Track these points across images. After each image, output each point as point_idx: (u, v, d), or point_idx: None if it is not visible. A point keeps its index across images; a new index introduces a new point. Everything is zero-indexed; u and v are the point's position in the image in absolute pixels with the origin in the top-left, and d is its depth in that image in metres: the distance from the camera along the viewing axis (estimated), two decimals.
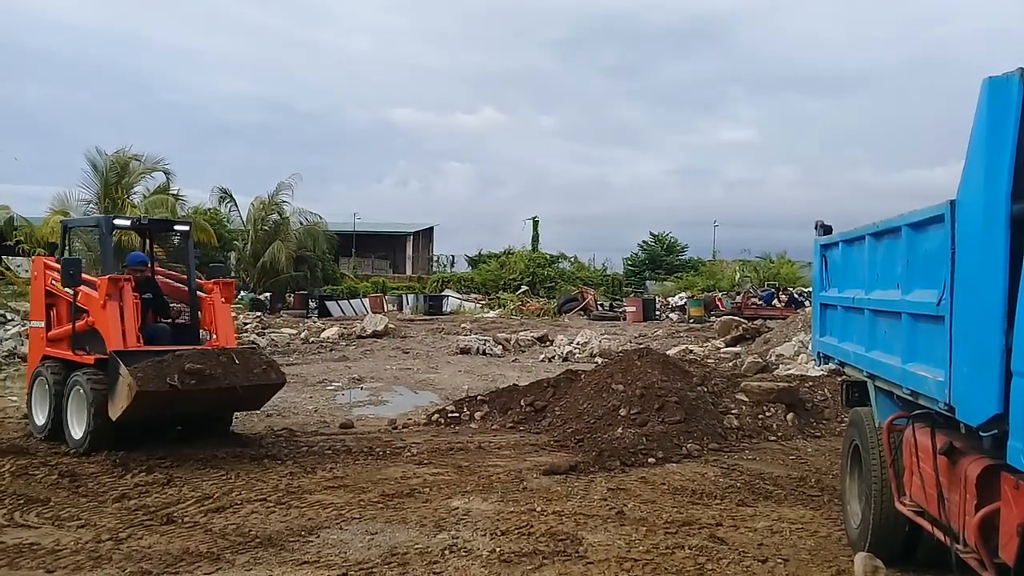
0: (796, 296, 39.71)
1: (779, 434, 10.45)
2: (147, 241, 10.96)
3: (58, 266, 9.62)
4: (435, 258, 73.78)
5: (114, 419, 8.29)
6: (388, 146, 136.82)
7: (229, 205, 45.19)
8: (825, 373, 12.42)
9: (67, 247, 10.89)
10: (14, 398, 12.92)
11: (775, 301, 39.14)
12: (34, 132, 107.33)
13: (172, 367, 8.24)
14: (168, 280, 10.44)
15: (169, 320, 10.19)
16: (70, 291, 9.24)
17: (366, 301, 42.38)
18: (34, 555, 5.75)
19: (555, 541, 6.15)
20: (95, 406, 8.50)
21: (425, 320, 36.00)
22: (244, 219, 44.90)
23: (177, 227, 11.14)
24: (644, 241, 66.35)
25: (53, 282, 9.82)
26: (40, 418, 9.53)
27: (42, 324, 9.97)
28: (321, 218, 46.70)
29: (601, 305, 44.00)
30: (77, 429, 8.83)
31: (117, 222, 10.02)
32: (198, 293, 10.01)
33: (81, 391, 8.79)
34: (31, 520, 6.56)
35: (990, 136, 3.84)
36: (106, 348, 8.74)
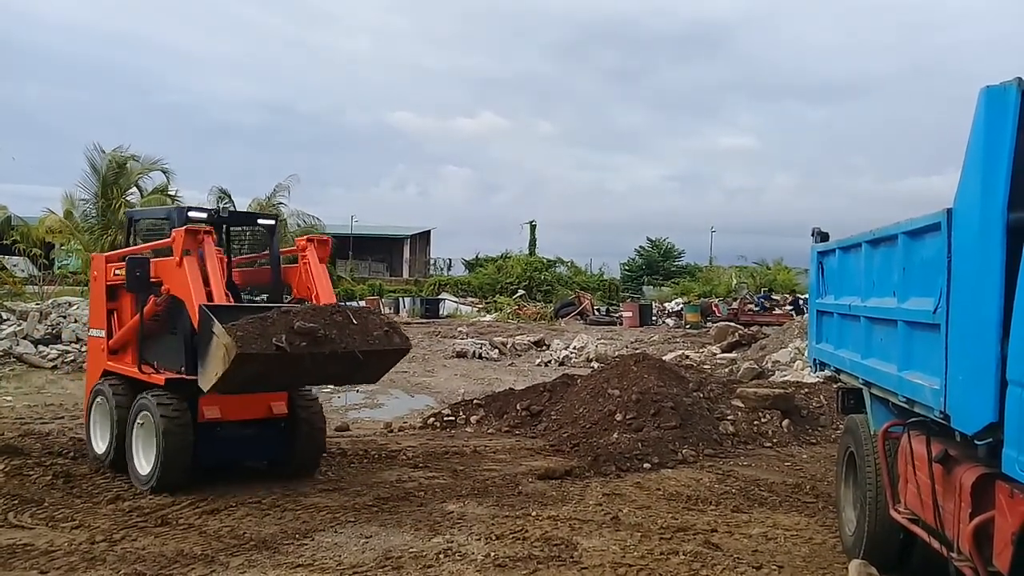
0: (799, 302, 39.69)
1: (774, 440, 10.46)
2: (224, 236, 9.03)
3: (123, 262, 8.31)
4: (432, 261, 73.74)
5: (205, 390, 6.93)
6: (387, 149, 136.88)
7: (227, 206, 45.11)
8: (821, 380, 12.46)
9: (132, 243, 9.19)
10: (9, 398, 12.89)
11: (772, 304, 39.13)
12: (32, 132, 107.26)
13: (278, 325, 6.70)
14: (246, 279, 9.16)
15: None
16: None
17: (362, 304, 42.32)
18: (28, 556, 5.74)
19: (550, 546, 6.14)
20: (166, 437, 7.26)
21: (421, 323, 35.97)
22: None
23: (261, 221, 9.38)
24: (641, 246, 66.35)
25: (116, 272, 8.39)
26: (99, 445, 8.29)
27: (102, 333, 8.60)
28: (319, 220, 46.64)
29: (598, 310, 43.98)
30: (144, 463, 7.55)
31: (192, 214, 8.25)
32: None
33: (149, 418, 7.51)
34: (25, 521, 6.54)
35: (987, 145, 3.86)
36: (181, 360, 7.53)
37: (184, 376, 7.45)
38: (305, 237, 8.46)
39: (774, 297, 41.40)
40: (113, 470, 7.98)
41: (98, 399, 8.40)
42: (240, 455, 8.27)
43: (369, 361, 7.27)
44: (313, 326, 6.80)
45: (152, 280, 7.71)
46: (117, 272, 8.39)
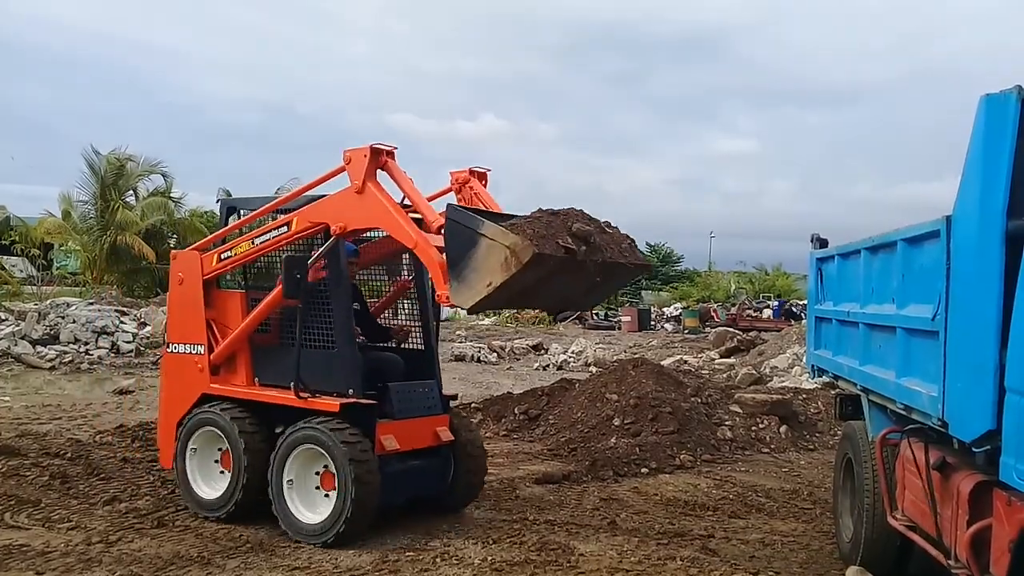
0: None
1: (772, 446, 10.46)
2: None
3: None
4: None
5: (467, 307, 5.79)
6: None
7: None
8: (819, 386, 12.46)
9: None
10: (6, 398, 12.87)
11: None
12: (31, 132, 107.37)
13: (555, 226, 5.66)
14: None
15: (388, 345, 7.36)
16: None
17: None
18: (24, 557, 5.72)
19: (546, 550, 6.13)
20: (357, 479, 5.97)
21: None
22: None
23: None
24: (640, 251, 66.34)
25: (226, 256, 7.01)
26: (210, 489, 6.79)
27: (199, 348, 6.94)
28: None
29: (596, 314, 43.97)
30: (308, 511, 6.29)
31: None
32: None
33: (319, 455, 6.22)
34: (21, 521, 6.52)
35: (986, 153, 3.86)
36: (355, 376, 6.36)
37: (359, 400, 6.31)
38: (465, 170, 7.11)
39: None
40: (232, 520, 6.57)
41: (200, 431, 6.82)
42: (410, 490, 6.88)
43: (614, 277, 6.38)
44: (589, 229, 5.82)
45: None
46: (225, 256, 6.97)
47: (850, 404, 6.29)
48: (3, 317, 19.53)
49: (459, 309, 7.07)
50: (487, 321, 40.17)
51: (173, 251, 7.30)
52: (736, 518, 7.34)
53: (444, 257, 5.71)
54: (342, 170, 6.39)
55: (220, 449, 6.82)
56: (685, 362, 20.77)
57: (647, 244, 66.35)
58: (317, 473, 6.33)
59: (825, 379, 7.59)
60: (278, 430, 6.52)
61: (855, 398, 6.09)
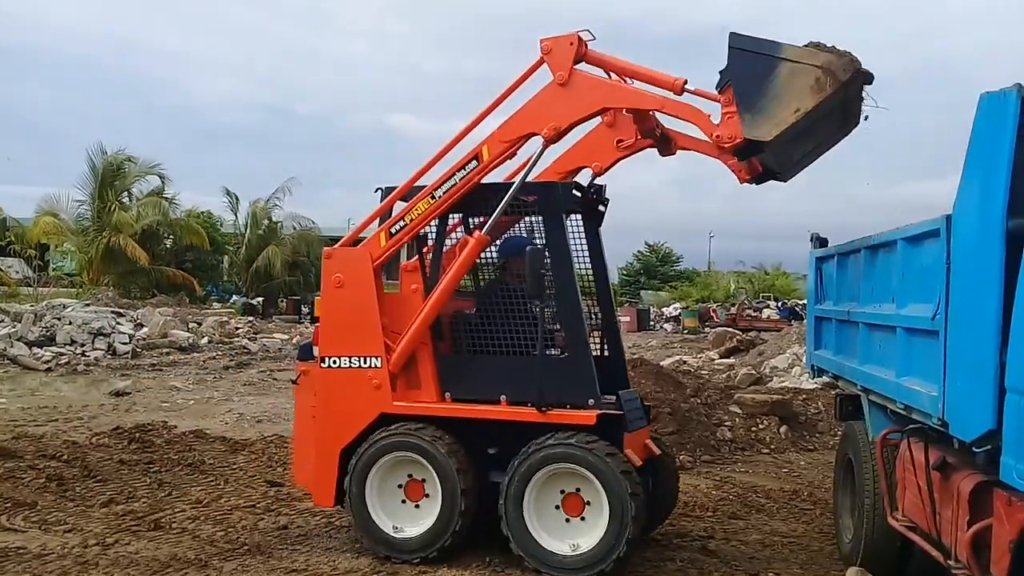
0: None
1: (772, 447, 10.44)
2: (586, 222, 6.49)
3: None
4: None
5: (769, 139, 5.17)
6: (386, 151, 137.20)
7: (228, 207, 44.99)
8: (819, 386, 12.45)
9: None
10: (2, 400, 12.84)
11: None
12: (29, 133, 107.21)
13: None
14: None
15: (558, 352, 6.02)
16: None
17: None
18: (20, 559, 5.69)
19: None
20: (634, 499, 5.34)
21: None
22: (240, 223, 44.76)
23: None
24: (639, 251, 66.33)
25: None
26: (404, 527, 5.86)
27: (376, 360, 5.89)
28: (314, 223, 46.66)
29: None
30: (554, 538, 5.54)
31: (578, 192, 6.24)
32: None
33: (578, 473, 5.46)
34: (18, 524, 6.49)
35: (986, 151, 3.85)
36: (587, 389, 5.63)
37: (610, 412, 5.67)
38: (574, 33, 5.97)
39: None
40: (439, 560, 5.73)
41: (385, 459, 5.83)
42: None
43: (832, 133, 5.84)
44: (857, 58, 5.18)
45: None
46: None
47: (850, 404, 6.27)
48: None
49: None
50: None
51: (326, 248, 6.15)
52: (736, 519, 7.32)
53: (730, 95, 5.23)
54: (540, 64, 5.70)
55: (410, 476, 5.87)
56: (684, 362, 20.75)
57: (646, 244, 66.49)
58: (562, 492, 5.59)
59: (825, 379, 7.59)
60: (491, 451, 5.82)
61: (855, 398, 6.08)
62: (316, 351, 6.17)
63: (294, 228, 45.51)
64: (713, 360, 21.85)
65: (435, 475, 5.70)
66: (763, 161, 5.64)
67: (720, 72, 5.44)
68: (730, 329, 29.48)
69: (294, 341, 25.57)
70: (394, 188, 6.17)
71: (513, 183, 5.81)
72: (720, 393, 12.01)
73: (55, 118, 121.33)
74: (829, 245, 6.91)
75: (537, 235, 6.01)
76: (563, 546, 5.51)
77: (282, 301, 41.42)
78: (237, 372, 17.90)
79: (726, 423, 10.75)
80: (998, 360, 3.64)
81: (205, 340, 23.18)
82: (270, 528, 6.58)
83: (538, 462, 5.50)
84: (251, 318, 31.90)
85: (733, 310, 40.79)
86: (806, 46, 5.26)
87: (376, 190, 6.31)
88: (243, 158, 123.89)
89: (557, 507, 5.61)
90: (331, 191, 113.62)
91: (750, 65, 5.14)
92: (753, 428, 10.78)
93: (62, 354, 17.82)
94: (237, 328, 26.74)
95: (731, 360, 21.33)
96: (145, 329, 21.73)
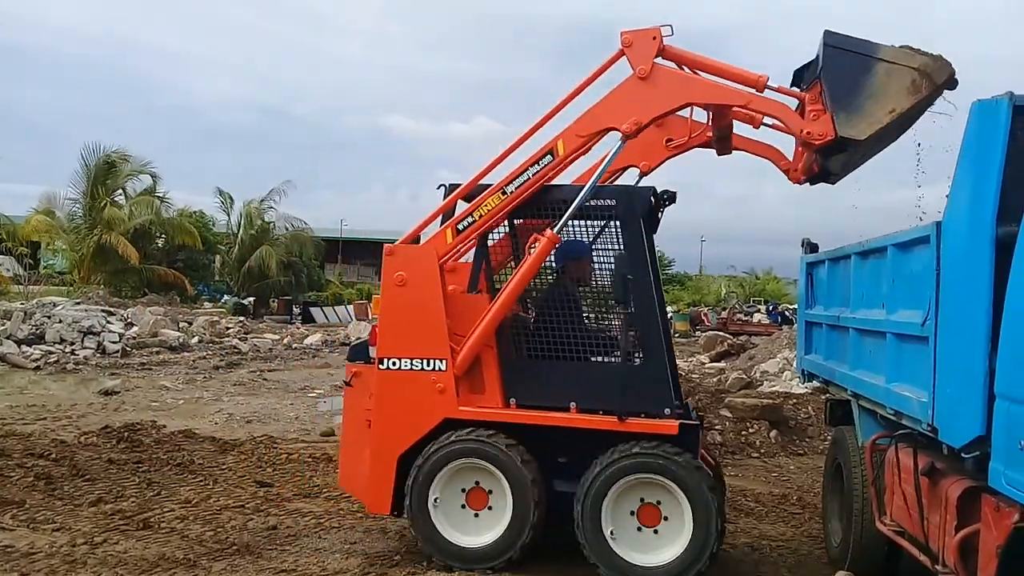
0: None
1: (762, 451, 10.46)
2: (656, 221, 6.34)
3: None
4: None
5: (863, 138, 5.18)
6: (380, 152, 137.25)
7: (220, 207, 44.85)
8: (809, 391, 12.47)
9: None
10: None
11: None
12: (26, 132, 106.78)
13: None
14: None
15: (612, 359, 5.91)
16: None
17: (351, 308, 42.17)
18: (8, 558, 5.66)
19: (536, 552, 6.09)
20: (719, 507, 5.35)
21: None
22: (233, 223, 44.63)
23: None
24: None
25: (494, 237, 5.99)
26: (468, 536, 5.67)
27: (441, 363, 5.68)
28: (306, 224, 46.59)
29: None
30: (630, 549, 5.41)
31: (664, 191, 6.14)
32: None
33: (660, 483, 5.36)
34: (6, 522, 6.45)
35: (977, 159, 3.87)
36: (663, 398, 5.53)
37: (690, 422, 5.62)
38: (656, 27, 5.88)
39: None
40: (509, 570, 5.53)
41: (450, 466, 5.63)
42: None
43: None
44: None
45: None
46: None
47: (840, 409, 6.29)
48: None
49: None
50: None
51: (388, 245, 5.89)
52: (725, 522, 7.32)
53: (817, 93, 5.22)
54: (618, 57, 5.58)
55: (476, 484, 5.67)
56: None
57: None
58: (641, 501, 5.46)
59: (815, 384, 7.60)
60: (562, 459, 5.68)
61: (845, 403, 6.10)
62: (373, 352, 5.94)
63: (286, 229, 45.44)
64: (704, 364, 21.89)
65: (506, 484, 5.52)
66: (830, 162, 5.62)
67: (796, 71, 5.46)
68: (721, 333, 29.52)
69: (284, 342, 25.51)
70: (458, 185, 6.05)
71: (584, 186, 5.70)
72: (710, 397, 12.04)
73: (51, 117, 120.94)
74: (820, 250, 6.93)
75: (608, 239, 5.88)
76: (643, 557, 5.37)
77: (273, 301, 41.33)
78: (227, 372, 17.84)
79: (716, 427, 10.77)
80: (987, 366, 3.66)
81: (195, 340, 23.09)
82: (259, 528, 6.56)
83: (619, 471, 5.36)
84: (242, 318, 31.80)
85: (724, 314, 40.87)
86: (900, 48, 5.26)
87: (439, 187, 6.20)
88: (240, 158, 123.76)
89: (632, 513, 5.47)
90: (322, 192, 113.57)
91: (845, 64, 5.13)
92: (743, 432, 10.81)
93: (51, 352, 17.72)
94: (228, 328, 26.62)
95: (722, 364, 21.36)
96: (135, 328, 21.63)
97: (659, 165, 6.28)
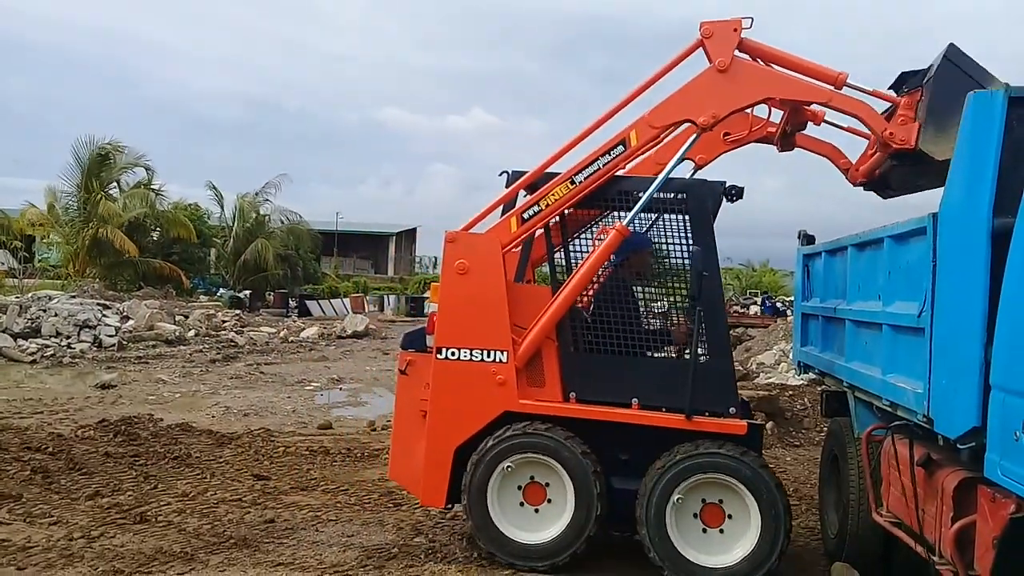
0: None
1: None
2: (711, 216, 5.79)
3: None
4: (418, 259, 73.66)
5: (941, 158, 4.93)
6: (374, 146, 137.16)
7: (214, 200, 44.77)
8: (805, 383, 12.50)
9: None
10: None
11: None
12: (18, 126, 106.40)
13: None
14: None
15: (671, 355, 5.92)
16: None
17: (347, 301, 42.20)
18: (5, 552, 5.66)
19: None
20: (787, 509, 5.34)
21: (407, 321, 35.86)
22: (229, 216, 44.54)
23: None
24: None
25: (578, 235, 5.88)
26: (526, 532, 5.57)
27: (502, 355, 5.56)
28: (301, 217, 46.52)
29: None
30: (694, 549, 5.34)
31: (732, 185, 5.78)
32: None
33: (741, 490, 5.28)
34: (3, 516, 6.44)
35: (973, 151, 3.88)
36: (728, 397, 5.48)
37: (755, 422, 5.62)
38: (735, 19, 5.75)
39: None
40: (568, 569, 5.47)
41: (509, 460, 5.51)
42: None
43: None
44: None
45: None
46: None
47: (836, 400, 6.30)
48: None
49: None
50: None
51: (449, 232, 5.72)
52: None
53: (914, 101, 5.13)
54: (697, 47, 5.47)
55: (532, 479, 5.59)
56: None
57: None
58: (703, 502, 5.40)
59: (811, 375, 7.61)
60: (624, 456, 5.58)
61: (841, 395, 6.11)
62: (430, 340, 5.82)
63: (282, 222, 45.38)
64: None
65: (567, 479, 5.45)
66: (894, 172, 5.53)
67: (902, 73, 5.33)
68: None
69: (281, 335, 25.51)
70: (522, 173, 5.92)
71: (655, 177, 5.58)
72: None
73: (44, 111, 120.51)
74: (816, 242, 6.93)
75: (676, 233, 5.75)
76: (710, 559, 5.29)
77: (269, 294, 41.29)
78: (224, 365, 17.84)
79: None
80: (983, 357, 3.67)
81: (192, 333, 23.08)
82: (256, 522, 6.57)
83: (687, 470, 5.29)
84: (238, 311, 31.79)
85: None
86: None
87: (501, 173, 6.08)
88: (232, 152, 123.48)
89: (695, 515, 5.40)
90: (318, 185, 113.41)
91: (956, 82, 4.95)
92: None
93: (47, 346, 17.71)
94: (224, 321, 26.61)
95: None
96: (131, 322, 21.60)
97: (715, 159, 6.21)
